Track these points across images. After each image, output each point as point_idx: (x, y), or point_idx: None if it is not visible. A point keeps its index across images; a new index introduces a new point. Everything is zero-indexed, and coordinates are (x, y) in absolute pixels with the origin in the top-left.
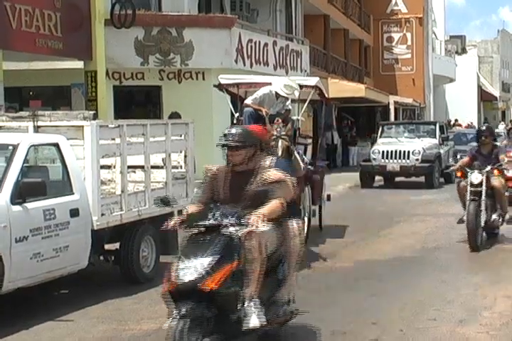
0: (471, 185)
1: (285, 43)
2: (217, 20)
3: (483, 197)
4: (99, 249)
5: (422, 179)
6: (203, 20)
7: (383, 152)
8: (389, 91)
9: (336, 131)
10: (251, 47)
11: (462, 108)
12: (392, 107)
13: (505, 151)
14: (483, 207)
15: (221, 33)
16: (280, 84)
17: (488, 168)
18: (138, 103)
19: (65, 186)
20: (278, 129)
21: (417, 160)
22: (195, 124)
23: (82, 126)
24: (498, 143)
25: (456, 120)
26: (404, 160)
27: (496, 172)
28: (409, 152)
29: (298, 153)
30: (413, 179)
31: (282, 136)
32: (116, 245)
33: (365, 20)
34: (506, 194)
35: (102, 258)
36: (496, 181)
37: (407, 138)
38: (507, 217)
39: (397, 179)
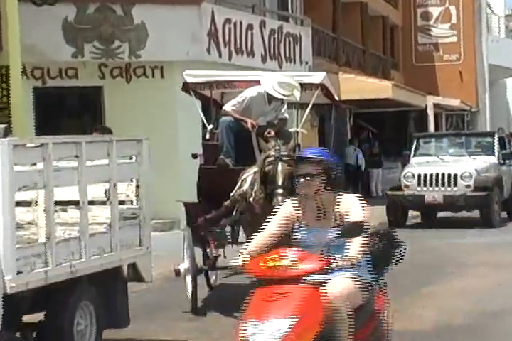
0: None
1: (277, 24)
2: None
3: None
4: (14, 322)
5: (475, 214)
6: None
7: (419, 176)
8: (426, 90)
9: (356, 146)
10: (229, 30)
11: None
12: (431, 113)
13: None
14: None
15: (186, 10)
16: (272, 81)
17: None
18: (69, 112)
19: None
20: (277, 148)
21: (467, 187)
22: (152, 141)
23: None
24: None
25: None
26: (449, 188)
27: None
28: (456, 176)
29: None
30: (463, 214)
31: (283, 158)
32: (41, 315)
33: None
34: None
35: (18, 334)
36: None
37: (454, 157)
38: None
39: (440, 214)
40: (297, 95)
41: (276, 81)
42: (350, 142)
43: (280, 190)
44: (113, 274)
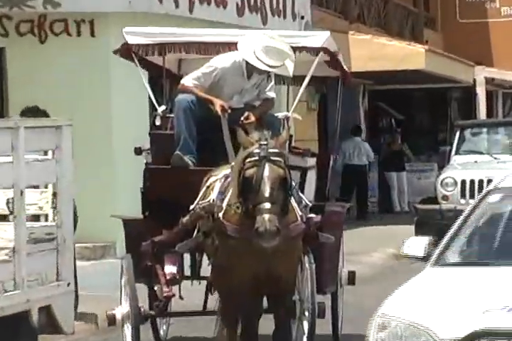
0: None
1: None
2: None
3: None
4: None
5: None
6: None
7: (464, 183)
8: (475, 58)
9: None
10: None
11: None
12: (481, 91)
13: None
14: None
15: None
16: (255, 45)
17: None
18: None
19: None
20: (263, 142)
21: None
22: (76, 128)
23: None
24: None
25: None
26: None
27: None
28: None
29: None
30: None
31: (272, 157)
32: None
33: None
34: None
35: None
36: None
37: None
38: None
39: None
40: (290, 67)
41: (260, 45)
42: (352, 132)
43: (267, 204)
44: (17, 322)
